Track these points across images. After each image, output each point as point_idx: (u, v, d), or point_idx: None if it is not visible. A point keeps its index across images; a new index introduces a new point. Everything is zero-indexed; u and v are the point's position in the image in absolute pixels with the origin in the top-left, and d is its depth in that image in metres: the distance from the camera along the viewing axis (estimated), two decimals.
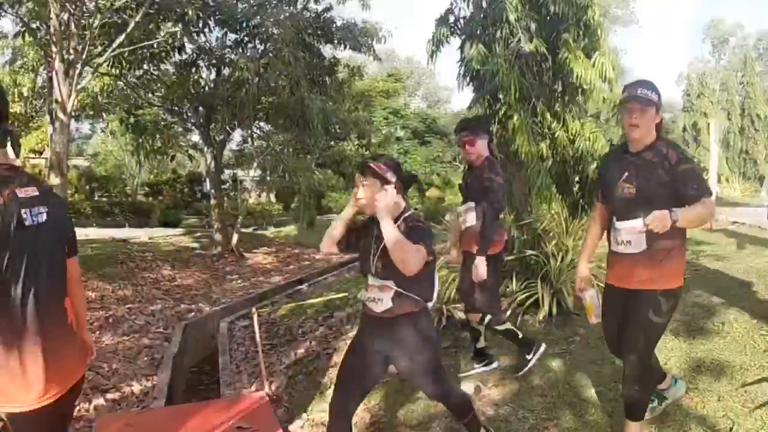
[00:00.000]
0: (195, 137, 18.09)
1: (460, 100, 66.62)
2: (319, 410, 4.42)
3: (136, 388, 5.64)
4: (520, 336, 4.10)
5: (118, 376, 5.82)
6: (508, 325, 4.11)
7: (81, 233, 14.04)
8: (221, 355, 6.40)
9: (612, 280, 2.93)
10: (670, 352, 3.95)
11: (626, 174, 2.77)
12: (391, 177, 2.76)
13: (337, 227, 2.92)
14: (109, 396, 5.24)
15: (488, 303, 4.01)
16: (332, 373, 5.20)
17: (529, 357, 4.06)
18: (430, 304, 2.86)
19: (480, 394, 3.91)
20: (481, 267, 3.80)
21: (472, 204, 3.99)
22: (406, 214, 2.82)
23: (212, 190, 14.75)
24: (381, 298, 2.78)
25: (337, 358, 5.42)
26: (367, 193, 2.77)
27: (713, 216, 2.43)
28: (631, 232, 2.71)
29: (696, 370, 3.65)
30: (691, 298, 4.76)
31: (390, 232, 2.61)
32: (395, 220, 2.72)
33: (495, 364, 4.22)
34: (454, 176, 33.87)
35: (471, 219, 3.99)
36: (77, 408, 4.79)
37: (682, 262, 2.80)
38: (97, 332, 7.02)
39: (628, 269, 2.79)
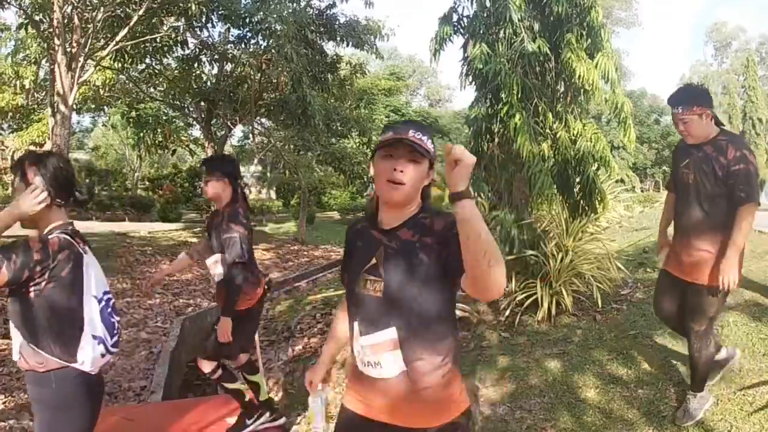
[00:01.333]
0: (196, 132, 18.14)
1: (462, 99, 66.65)
2: None
3: (134, 382, 5.64)
4: (247, 399, 3.75)
5: (116, 370, 5.82)
6: (238, 385, 3.73)
7: (81, 226, 14.04)
8: None
9: (359, 409, 1.94)
10: (669, 354, 3.95)
11: (372, 263, 1.85)
12: (39, 182, 2.12)
13: None
14: (106, 389, 5.24)
15: (228, 352, 3.62)
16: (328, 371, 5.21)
17: (248, 422, 3.75)
18: (84, 366, 2.16)
19: (477, 393, 3.91)
20: (224, 327, 3.37)
21: (218, 256, 3.51)
22: (52, 236, 2.13)
23: None
24: (14, 345, 2.17)
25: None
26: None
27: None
28: (380, 348, 1.82)
29: None
30: None
31: None
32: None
33: (282, 420, 3.89)
34: None
35: (220, 272, 3.52)
36: None
37: (458, 382, 1.88)
38: None
39: (382, 399, 1.86)
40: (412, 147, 1.75)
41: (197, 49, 13.16)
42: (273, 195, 31.67)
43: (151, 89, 14.60)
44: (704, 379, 3.22)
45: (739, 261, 2.99)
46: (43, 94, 15.65)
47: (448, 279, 1.75)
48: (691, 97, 3.04)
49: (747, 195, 2.89)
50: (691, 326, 3.16)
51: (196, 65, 13.58)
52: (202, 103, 14.05)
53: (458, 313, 5.16)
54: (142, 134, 16.05)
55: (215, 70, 14.25)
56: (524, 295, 4.96)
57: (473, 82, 5.51)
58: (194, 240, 14.53)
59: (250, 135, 17.87)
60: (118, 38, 9.94)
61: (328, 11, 13.27)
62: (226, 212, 3.49)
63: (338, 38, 13.41)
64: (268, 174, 30.17)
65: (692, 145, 3.10)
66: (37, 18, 9.67)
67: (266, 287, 3.77)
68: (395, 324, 1.79)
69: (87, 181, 25.40)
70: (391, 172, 1.76)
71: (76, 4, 9.12)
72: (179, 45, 12.31)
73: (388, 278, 1.80)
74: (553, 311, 4.83)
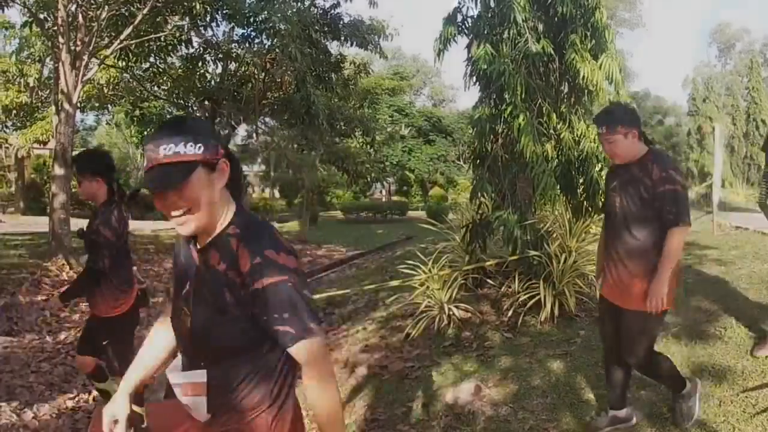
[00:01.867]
0: None
1: (466, 99, 66.65)
2: None
3: None
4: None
5: None
6: (105, 385, 3.65)
7: (83, 225, 14.10)
8: None
9: None
10: (672, 356, 3.94)
11: (186, 289, 1.59)
12: None
13: None
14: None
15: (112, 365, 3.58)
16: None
17: None
18: None
19: (480, 393, 3.91)
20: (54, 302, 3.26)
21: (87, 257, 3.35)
22: None
23: None
24: None
25: (338, 354, 5.43)
26: None
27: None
28: (188, 390, 1.62)
29: (697, 375, 3.63)
30: (693, 303, 4.75)
31: None
32: None
33: None
34: (457, 175, 33.90)
35: None
36: (76, 398, 4.82)
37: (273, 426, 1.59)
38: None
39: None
40: (169, 177, 1.41)
41: (201, 48, 13.18)
42: (276, 194, 31.73)
43: (155, 88, 14.62)
44: (676, 379, 3.13)
45: (672, 283, 2.88)
46: (47, 92, 15.72)
47: (254, 309, 1.47)
48: (616, 116, 2.98)
49: (675, 217, 2.79)
50: (628, 360, 3.05)
51: (200, 64, 13.61)
52: (206, 102, 14.08)
53: (460, 313, 5.17)
54: (145, 133, 16.09)
55: (219, 69, 14.28)
56: (527, 295, 4.95)
57: (477, 83, 5.52)
58: None
59: (254, 134, 17.90)
60: (122, 37, 9.96)
61: (333, 11, 13.28)
62: (100, 212, 3.29)
63: (342, 38, 13.42)
64: (272, 173, 30.22)
65: (620, 166, 3.04)
66: (41, 16, 9.69)
67: (139, 295, 3.62)
68: (204, 365, 1.55)
69: None
70: (167, 209, 1.45)
71: (80, 3, 9.14)
72: (183, 44, 12.34)
73: (196, 312, 1.53)
74: (556, 312, 4.83)
